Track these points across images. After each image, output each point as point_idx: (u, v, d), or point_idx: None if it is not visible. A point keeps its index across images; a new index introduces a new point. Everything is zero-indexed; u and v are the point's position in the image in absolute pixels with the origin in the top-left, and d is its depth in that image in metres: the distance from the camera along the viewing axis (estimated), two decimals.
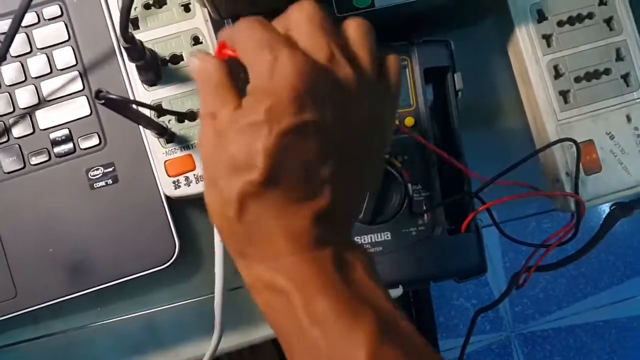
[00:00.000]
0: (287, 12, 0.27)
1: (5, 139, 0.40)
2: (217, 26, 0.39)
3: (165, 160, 0.39)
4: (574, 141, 0.39)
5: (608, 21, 0.41)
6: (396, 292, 0.43)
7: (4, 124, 0.40)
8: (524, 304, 1.22)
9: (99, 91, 0.30)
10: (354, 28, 0.27)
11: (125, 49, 0.35)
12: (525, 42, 0.41)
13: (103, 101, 0.30)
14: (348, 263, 0.25)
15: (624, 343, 1.23)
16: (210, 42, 0.39)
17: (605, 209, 0.46)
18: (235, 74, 0.27)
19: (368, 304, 0.24)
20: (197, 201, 0.42)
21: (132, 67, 0.39)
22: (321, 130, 0.24)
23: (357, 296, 0.24)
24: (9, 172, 0.40)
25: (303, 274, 0.24)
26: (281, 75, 0.24)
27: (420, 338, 0.25)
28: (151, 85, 0.39)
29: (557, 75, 0.41)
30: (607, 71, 0.41)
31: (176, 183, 0.39)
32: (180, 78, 0.39)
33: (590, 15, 0.41)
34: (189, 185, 0.39)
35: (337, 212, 0.26)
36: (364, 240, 0.38)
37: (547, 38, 0.41)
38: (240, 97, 0.26)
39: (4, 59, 0.39)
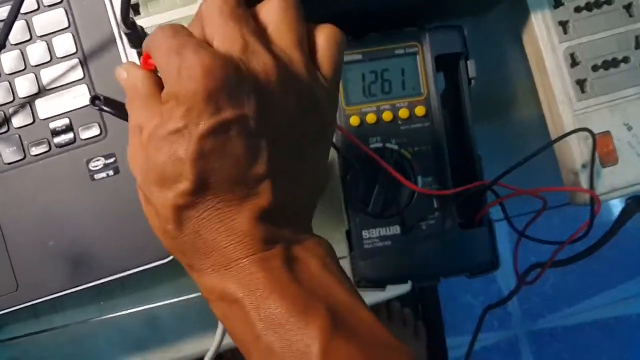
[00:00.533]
0: (198, 10, 0.25)
1: (5, 129, 0.39)
2: None
3: None
4: (590, 131, 0.37)
5: (627, 7, 0.39)
6: (404, 288, 0.42)
7: (4, 113, 0.39)
8: (533, 301, 1.20)
9: (94, 97, 0.28)
10: (269, 7, 0.25)
11: (126, 34, 0.33)
12: (540, 29, 0.39)
13: (97, 108, 0.28)
14: (299, 259, 0.24)
15: (635, 340, 1.21)
16: None
17: (616, 203, 0.45)
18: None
19: (320, 299, 0.23)
20: None
21: (132, 53, 0.38)
22: (244, 126, 0.23)
23: (308, 293, 0.23)
24: (9, 163, 0.39)
25: (252, 278, 0.23)
26: (189, 77, 0.22)
27: (379, 327, 0.24)
28: None
29: (574, 63, 0.39)
30: (625, 59, 0.39)
31: None
32: None
33: (608, 1, 0.39)
34: None
35: (284, 208, 0.24)
36: (372, 234, 0.37)
37: (563, 25, 0.39)
38: None
39: (4, 46, 0.38)
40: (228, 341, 0.42)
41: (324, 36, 0.25)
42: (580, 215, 0.41)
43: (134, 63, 0.26)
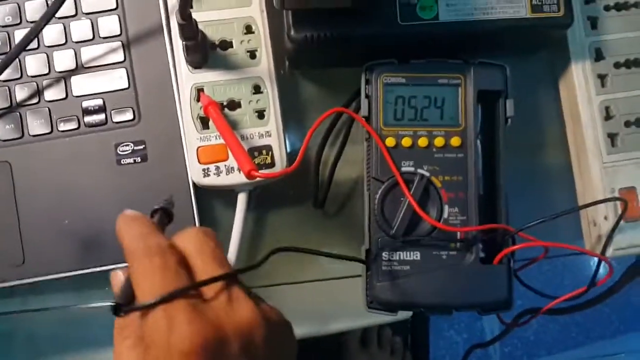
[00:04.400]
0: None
1: (36, 100, 0.39)
2: (273, 17, 0.38)
3: (199, 147, 0.38)
4: (624, 200, 0.38)
5: None
6: (405, 315, 0.42)
7: (37, 85, 0.39)
8: (514, 345, 1.20)
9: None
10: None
11: (181, 25, 0.33)
12: (579, 78, 0.40)
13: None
14: None
15: None
16: (262, 32, 0.38)
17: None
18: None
19: None
20: (223, 193, 0.40)
21: (178, 46, 0.38)
22: None
23: None
24: (35, 135, 0.39)
25: None
26: (179, 339, 0.23)
27: None
28: (196, 68, 0.38)
29: (608, 116, 0.40)
30: None
31: (206, 171, 0.38)
32: (226, 65, 0.38)
33: None
34: (219, 175, 0.38)
35: None
36: (392, 257, 0.37)
37: (602, 78, 0.40)
38: None
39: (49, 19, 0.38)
40: None
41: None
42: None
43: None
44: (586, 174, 0.40)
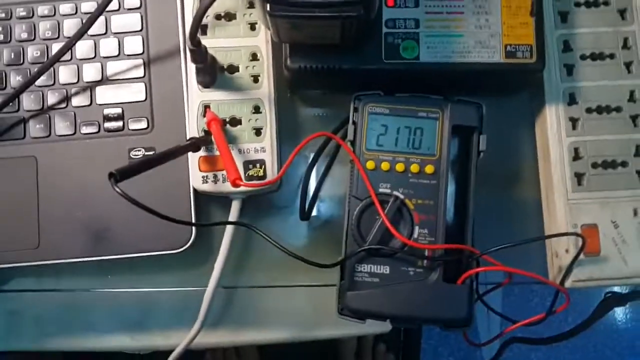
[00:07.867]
0: None
1: (64, 105, 0.44)
2: (277, 49, 0.43)
3: (201, 156, 0.42)
4: (583, 237, 0.40)
5: (634, 118, 0.43)
6: (385, 327, 0.45)
7: (67, 91, 0.45)
8: None
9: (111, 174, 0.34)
10: None
11: (190, 50, 0.38)
12: (552, 120, 0.43)
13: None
14: None
15: None
16: (266, 60, 0.43)
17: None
18: None
19: None
20: (219, 199, 0.45)
21: (191, 67, 0.43)
22: None
23: None
24: (60, 135, 0.44)
25: None
26: None
27: None
28: (205, 87, 0.43)
29: (576, 157, 0.43)
30: (624, 164, 0.43)
31: (205, 178, 0.42)
32: (232, 87, 0.43)
33: (618, 109, 0.43)
34: (216, 183, 0.42)
35: None
36: (364, 269, 0.40)
37: (573, 121, 0.43)
38: None
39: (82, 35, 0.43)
40: (208, 340, 0.45)
41: None
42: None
43: None
44: (552, 208, 0.43)
